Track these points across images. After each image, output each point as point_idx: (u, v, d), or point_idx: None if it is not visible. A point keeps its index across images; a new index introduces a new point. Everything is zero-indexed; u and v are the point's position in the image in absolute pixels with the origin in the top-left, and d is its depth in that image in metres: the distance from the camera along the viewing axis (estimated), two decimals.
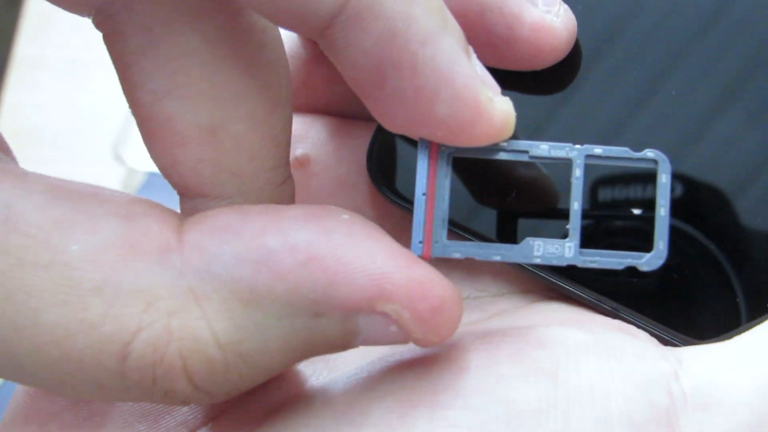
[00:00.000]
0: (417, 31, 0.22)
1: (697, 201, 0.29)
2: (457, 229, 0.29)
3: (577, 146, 0.25)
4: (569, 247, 0.24)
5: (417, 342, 0.23)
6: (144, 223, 0.21)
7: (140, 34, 0.23)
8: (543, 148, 0.25)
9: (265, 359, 0.21)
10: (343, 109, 0.32)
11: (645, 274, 0.25)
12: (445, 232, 0.24)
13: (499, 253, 0.24)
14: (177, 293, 0.20)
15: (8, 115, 0.84)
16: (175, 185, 0.25)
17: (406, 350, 0.25)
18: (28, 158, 0.28)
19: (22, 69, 0.86)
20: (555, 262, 0.24)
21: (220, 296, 0.20)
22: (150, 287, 0.20)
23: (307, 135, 0.31)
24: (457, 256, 0.24)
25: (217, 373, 0.21)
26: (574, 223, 0.24)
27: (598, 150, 0.25)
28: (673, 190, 0.27)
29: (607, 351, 0.24)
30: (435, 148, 0.24)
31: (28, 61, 0.87)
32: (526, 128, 0.29)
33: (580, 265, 0.24)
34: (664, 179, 0.24)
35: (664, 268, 0.25)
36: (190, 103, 0.23)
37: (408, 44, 0.22)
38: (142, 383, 0.20)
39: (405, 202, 0.30)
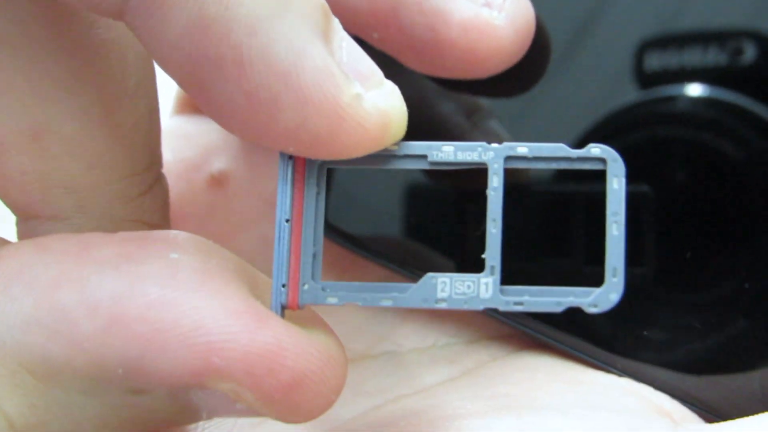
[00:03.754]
0: (240, 15, 0.16)
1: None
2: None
3: (494, 145, 0.18)
4: (486, 284, 0.18)
5: (278, 419, 0.17)
6: None
7: None
8: (447, 151, 0.18)
9: None
10: None
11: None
12: (317, 271, 0.18)
13: (390, 296, 0.18)
14: None
15: None
16: (4, 203, 0.20)
17: None
18: None
19: None
20: (467, 306, 0.18)
21: (8, 369, 0.16)
22: None
23: (226, 145, 0.26)
24: (333, 302, 0.18)
25: None
26: (493, 251, 0.18)
27: (522, 149, 0.18)
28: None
29: None
30: (301, 161, 0.18)
31: None
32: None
33: (501, 308, 0.18)
34: (615, 184, 0.17)
35: (690, 310, 0.19)
36: (4, 100, 0.18)
37: (228, 34, 0.16)
38: None
39: (342, 238, 0.24)
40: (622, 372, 0.22)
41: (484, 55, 0.21)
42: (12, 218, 0.20)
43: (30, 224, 0.20)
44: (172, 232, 0.18)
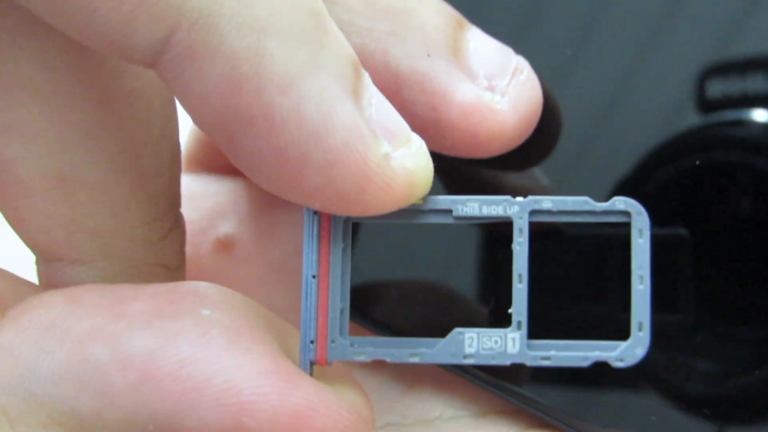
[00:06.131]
0: (272, 74, 0.16)
1: None
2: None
3: (519, 199, 0.18)
4: (513, 339, 0.18)
5: None
6: None
7: None
8: (472, 206, 0.18)
9: None
10: None
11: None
12: (345, 326, 0.18)
13: (417, 352, 0.18)
14: None
15: None
16: (26, 244, 0.20)
17: None
18: None
19: None
20: (495, 362, 0.18)
21: (39, 421, 0.16)
22: None
23: (233, 209, 0.26)
24: (362, 358, 0.18)
25: None
26: (519, 306, 0.18)
27: (546, 203, 0.18)
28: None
29: None
30: (326, 216, 0.18)
31: None
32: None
33: (529, 363, 0.17)
34: (640, 239, 0.18)
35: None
36: (32, 145, 0.18)
37: (260, 93, 0.16)
38: None
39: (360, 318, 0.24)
40: None
41: (484, 138, 0.21)
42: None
43: (52, 266, 0.20)
44: (202, 285, 0.18)
